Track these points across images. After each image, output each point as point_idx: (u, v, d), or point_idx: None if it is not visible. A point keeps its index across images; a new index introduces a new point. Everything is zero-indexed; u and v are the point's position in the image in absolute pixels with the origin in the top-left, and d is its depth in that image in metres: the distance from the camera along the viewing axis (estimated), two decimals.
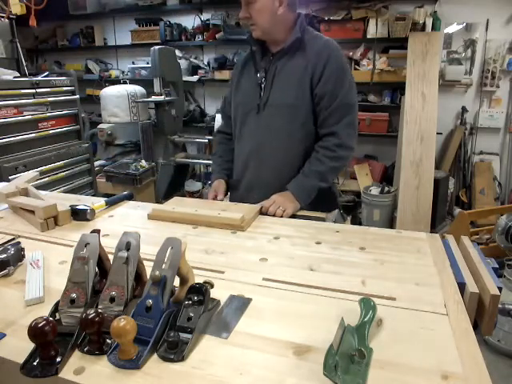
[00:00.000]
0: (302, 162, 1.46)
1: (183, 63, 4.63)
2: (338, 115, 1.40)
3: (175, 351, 0.65)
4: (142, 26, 4.84)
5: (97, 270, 0.79)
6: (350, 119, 1.41)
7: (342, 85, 1.39)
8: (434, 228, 3.47)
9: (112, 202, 1.41)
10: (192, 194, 4.15)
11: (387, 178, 4.21)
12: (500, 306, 0.82)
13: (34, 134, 2.85)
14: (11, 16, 3.01)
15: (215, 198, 1.55)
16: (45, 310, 0.75)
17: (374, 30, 3.93)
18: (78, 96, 3.25)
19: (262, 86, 1.47)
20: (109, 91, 3.94)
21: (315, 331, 0.71)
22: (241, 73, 1.58)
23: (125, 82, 4.30)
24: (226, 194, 1.59)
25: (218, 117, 4.30)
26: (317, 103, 1.41)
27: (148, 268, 0.81)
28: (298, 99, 1.41)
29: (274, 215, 1.34)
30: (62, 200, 1.34)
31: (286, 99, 1.42)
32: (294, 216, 1.34)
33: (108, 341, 0.67)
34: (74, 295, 0.73)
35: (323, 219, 1.34)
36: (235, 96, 1.58)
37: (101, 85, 4.81)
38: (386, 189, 3.69)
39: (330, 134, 1.42)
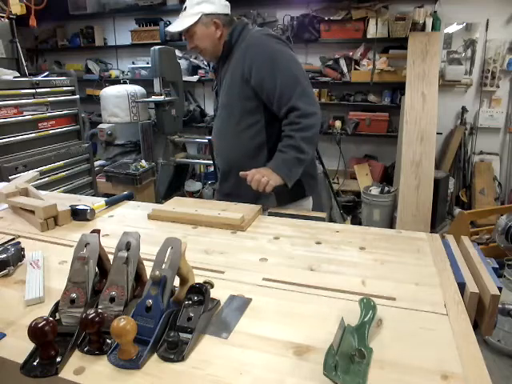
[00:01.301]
0: (262, 147, 1.55)
1: (183, 63, 4.63)
2: (288, 91, 1.43)
3: (175, 351, 0.65)
4: (142, 26, 4.84)
5: (97, 269, 0.79)
6: (300, 89, 1.43)
7: (275, 66, 1.43)
8: (433, 228, 3.47)
9: (112, 201, 1.41)
10: (192, 194, 4.15)
11: (387, 178, 4.21)
12: (500, 306, 0.83)
13: (33, 134, 2.85)
14: (11, 16, 3.01)
15: None
16: (45, 310, 0.75)
17: (373, 29, 3.93)
18: (78, 96, 3.24)
19: (217, 91, 1.67)
20: (109, 91, 3.94)
21: (315, 331, 0.71)
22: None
23: (125, 82, 4.30)
24: None
25: None
26: (261, 92, 1.47)
27: (148, 268, 0.81)
28: (231, 98, 1.54)
29: (257, 189, 1.37)
30: (62, 200, 1.34)
31: (225, 101, 1.58)
32: (294, 216, 1.34)
33: (108, 341, 0.67)
34: (73, 295, 0.73)
35: (323, 219, 1.34)
36: None
37: (101, 85, 4.81)
38: (386, 189, 3.69)
39: (289, 110, 1.45)
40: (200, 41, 1.53)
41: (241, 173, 1.41)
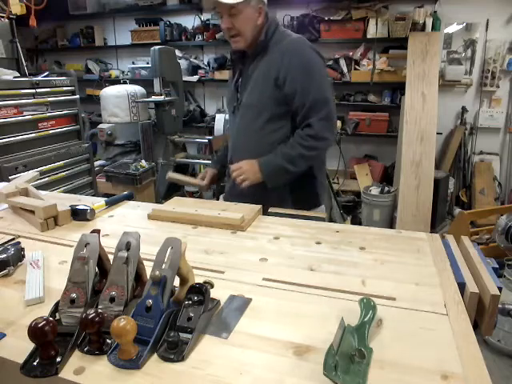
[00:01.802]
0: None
1: (183, 63, 4.63)
2: (314, 110, 1.43)
3: (175, 351, 0.65)
4: (142, 26, 4.84)
5: (97, 269, 0.79)
6: (325, 112, 1.44)
7: (311, 81, 1.42)
8: (433, 228, 3.47)
9: (112, 201, 1.41)
10: (192, 194, 4.15)
11: (387, 177, 4.21)
12: (500, 306, 0.82)
13: (33, 134, 2.85)
14: (11, 16, 3.01)
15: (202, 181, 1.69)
16: (45, 310, 0.75)
17: (373, 29, 3.93)
18: (78, 96, 3.24)
19: (238, 88, 1.57)
20: (109, 91, 3.94)
21: (315, 331, 0.71)
22: (230, 74, 1.72)
23: (125, 82, 4.30)
24: (212, 183, 1.72)
25: (218, 117, 4.31)
26: (291, 102, 1.46)
27: (148, 268, 0.81)
28: (261, 99, 1.48)
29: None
30: (62, 200, 1.34)
31: (251, 100, 1.51)
32: (294, 216, 1.34)
33: (108, 341, 0.67)
34: (73, 295, 0.73)
35: (323, 219, 1.34)
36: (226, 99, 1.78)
37: (101, 85, 4.81)
38: (386, 189, 3.69)
39: (306, 125, 1.46)
40: (242, 23, 1.41)
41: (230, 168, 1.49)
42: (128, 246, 0.78)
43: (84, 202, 1.37)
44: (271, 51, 1.47)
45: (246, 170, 1.46)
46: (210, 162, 3.67)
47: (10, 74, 2.84)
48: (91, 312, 0.64)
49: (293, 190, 1.56)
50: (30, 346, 0.64)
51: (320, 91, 1.43)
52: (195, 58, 4.85)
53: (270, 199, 1.45)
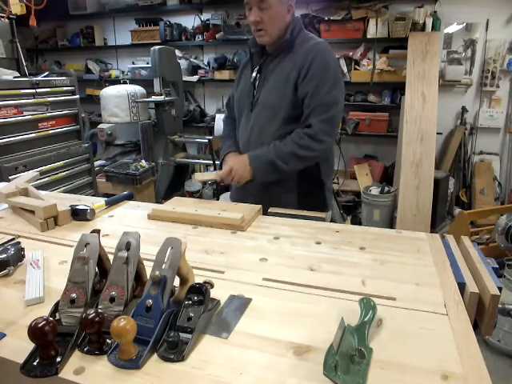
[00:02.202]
0: None
1: (183, 63, 4.63)
2: (318, 112, 1.41)
3: (175, 351, 0.65)
4: (142, 26, 4.84)
5: (97, 269, 0.79)
6: (328, 116, 1.41)
7: (323, 84, 1.40)
8: (434, 228, 3.47)
9: (112, 201, 1.41)
10: (192, 194, 4.15)
11: (387, 178, 4.21)
12: (500, 306, 0.82)
13: (33, 134, 2.85)
14: (11, 16, 3.01)
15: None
16: (45, 310, 0.75)
17: (374, 30, 3.93)
18: (77, 96, 3.25)
19: (256, 84, 1.52)
20: (109, 91, 3.94)
21: (315, 331, 0.71)
22: (242, 72, 1.66)
23: (125, 82, 4.30)
24: None
25: (218, 117, 4.30)
26: (301, 102, 1.44)
27: (148, 268, 0.81)
28: (280, 100, 1.45)
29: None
30: (62, 200, 1.34)
31: (270, 99, 1.47)
32: (294, 216, 1.34)
33: (108, 341, 0.67)
34: (73, 295, 0.73)
35: (323, 219, 1.34)
36: (235, 94, 1.67)
37: (101, 85, 4.81)
38: (386, 189, 3.69)
39: (307, 125, 1.45)
40: (270, 18, 1.37)
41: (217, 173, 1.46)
42: (128, 246, 0.78)
43: (84, 201, 1.37)
44: (296, 51, 1.44)
45: (236, 170, 1.43)
46: (210, 161, 3.68)
47: (9, 74, 2.84)
48: (91, 312, 0.64)
49: (300, 195, 1.53)
50: (30, 345, 0.64)
51: (329, 94, 1.41)
52: (195, 58, 4.85)
53: (276, 204, 1.42)
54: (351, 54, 4.12)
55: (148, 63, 4.68)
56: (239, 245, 1.10)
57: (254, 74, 1.54)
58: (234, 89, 1.69)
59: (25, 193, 1.36)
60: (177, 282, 0.76)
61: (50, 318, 0.62)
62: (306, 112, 1.44)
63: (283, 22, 1.41)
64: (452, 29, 3.99)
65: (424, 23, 3.80)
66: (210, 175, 1.71)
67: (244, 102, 1.58)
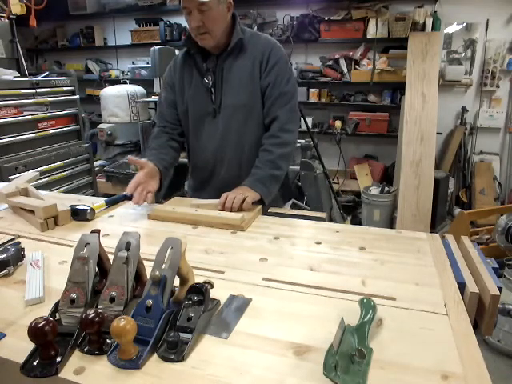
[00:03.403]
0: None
1: None
2: (280, 102, 1.44)
3: (175, 351, 0.65)
4: (142, 26, 4.84)
5: (97, 269, 0.79)
6: (291, 106, 1.46)
7: (283, 76, 1.44)
8: (433, 228, 3.47)
9: (112, 201, 1.41)
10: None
11: (387, 178, 4.21)
12: (500, 306, 0.83)
13: (33, 134, 2.86)
14: (11, 16, 3.01)
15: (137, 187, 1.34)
16: (45, 310, 0.75)
17: (373, 30, 3.93)
18: (77, 96, 3.25)
19: (212, 89, 1.45)
20: (109, 91, 3.94)
21: (315, 331, 0.71)
22: (180, 77, 1.51)
23: (125, 82, 4.30)
24: (155, 187, 1.41)
25: None
26: (262, 94, 1.45)
27: (148, 268, 0.81)
28: (251, 98, 1.44)
29: (231, 209, 1.29)
30: (62, 200, 1.34)
31: (239, 99, 1.44)
32: (293, 216, 1.34)
33: (108, 341, 0.67)
34: (73, 295, 0.73)
35: (323, 219, 1.34)
36: (181, 103, 1.52)
37: (101, 85, 4.81)
38: (386, 189, 3.69)
39: (273, 119, 1.45)
40: (212, 20, 1.31)
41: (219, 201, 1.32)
42: (128, 246, 0.78)
43: (84, 202, 1.37)
44: (249, 48, 1.43)
45: (239, 192, 1.34)
46: None
47: (9, 74, 2.84)
48: (91, 312, 0.64)
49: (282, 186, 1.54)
50: (30, 345, 0.64)
51: (288, 86, 1.45)
52: None
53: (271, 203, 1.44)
54: (351, 53, 4.12)
55: (148, 63, 4.68)
56: (239, 245, 1.10)
57: (209, 79, 1.44)
58: (177, 97, 1.52)
59: (25, 193, 1.36)
60: (177, 282, 0.76)
61: (50, 318, 0.62)
62: (268, 103, 1.45)
63: (225, 21, 1.37)
64: (452, 29, 4.00)
65: (424, 23, 3.80)
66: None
67: (201, 108, 1.48)
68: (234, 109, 1.45)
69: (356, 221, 3.88)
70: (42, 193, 1.43)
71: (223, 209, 1.29)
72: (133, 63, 5.07)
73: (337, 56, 4.17)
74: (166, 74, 1.58)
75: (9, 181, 1.63)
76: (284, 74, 1.44)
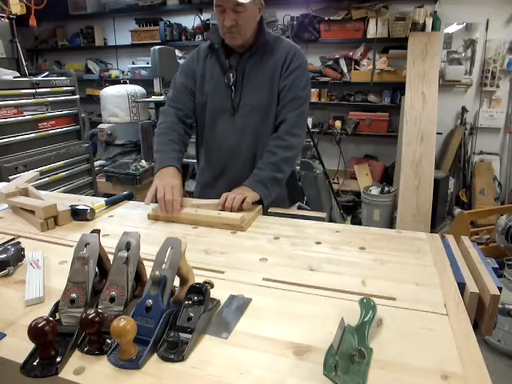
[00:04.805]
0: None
1: None
2: (291, 106, 1.45)
3: (175, 351, 0.65)
4: (142, 26, 4.84)
5: (97, 269, 0.79)
6: (301, 111, 1.46)
7: (300, 80, 1.45)
8: (433, 228, 3.47)
9: (112, 201, 1.41)
10: (192, 194, 4.15)
11: (387, 178, 4.22)
12: (500, 306, 0.83)
13: (33, 134, 2.85)
14: (11, 16, 3.01)
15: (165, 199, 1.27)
16: (45, 310, 0.75)
17: (373, 29, 3.93)
18: (77, 96, 3.25)
19: (233, 87, 1.46)
20: (109, 91, 3.94)
21: (315, 331, 0.71)
22: (202, 69, 1.51)
23: (125, 82, 4.30)
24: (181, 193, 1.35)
25: None
26: (278, 95, 1.46)
27: (148, 268, 0.81)
28: (269, 99, 1.45)
29: (231, 209, 1.28)
30: (62, 200, 1.34)
31: (259, 100, 1.45)
32: (293, 216, 1.34)
33: (108, 341, 0.67)
34: (74, 295, 0.73)
35: (323, 219, 1.34)
36: (199, 95, 1.52)
37: (101, 85, 4.81)
38: (386, 189, 3.69)
39: (282, 121, 1.46)
40: (245, 20, 1.33)
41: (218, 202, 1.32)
42: (128, 246, 0.78)
43: (84, 202, 1.37)
44: (273, 50, 1.45)
45: (239, 192, 1.34)
46: None
47: (9, 74, 2.84)
48: (91, 312, 0.64)
49: (289, 188, 1.59)
50: (30, 346, 0.64)
51: (303, 91, 1.46)
52: None
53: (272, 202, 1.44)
54: (351, 53, 4.12)
55: (148, 63, 4.68)
56: (239, 245, 1.10)
57: (230, 76, 1.45)
58: (198, 89, 1.51)
59: (25, 193, 1.36)
60: (177, 281, 0.76)
61: (50, 318, 0.62)
62: (280, 104, 1.46)
63: (255, 22, 1.40)
64: (452, 29, 3.99)
65: (424, 23, 3.80)
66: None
67: (220, 105, 1.48)
68: (253, 108, 1.46)
69: (356, 221, 3.88)
70: (42, 193, 1.43)
71: (223, 209, 1.30)
72: (133, 63, 5.07)
73: (337, 56, 4.17)
74: (187, 61, 1.58)
75: (9, 181, 1.63)
76: (301, 79, 1.45)
